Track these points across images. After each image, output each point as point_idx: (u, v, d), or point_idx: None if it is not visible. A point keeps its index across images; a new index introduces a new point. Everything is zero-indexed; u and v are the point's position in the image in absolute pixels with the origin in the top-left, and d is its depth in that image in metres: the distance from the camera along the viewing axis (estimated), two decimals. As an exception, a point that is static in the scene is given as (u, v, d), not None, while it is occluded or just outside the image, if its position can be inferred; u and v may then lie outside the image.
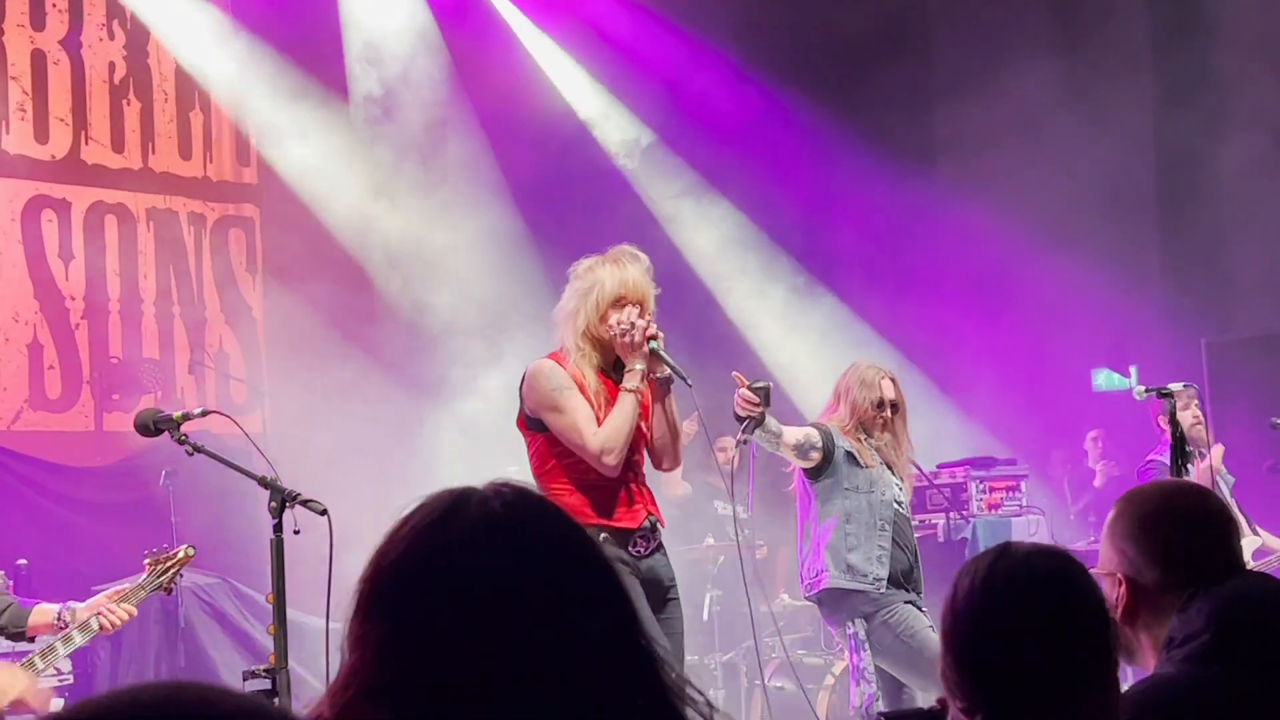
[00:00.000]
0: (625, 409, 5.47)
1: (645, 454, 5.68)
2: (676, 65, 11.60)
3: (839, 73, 11.28)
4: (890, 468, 6.68)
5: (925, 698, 6.27)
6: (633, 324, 5.47)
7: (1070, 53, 11.10)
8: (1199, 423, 7.95)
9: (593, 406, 5.48)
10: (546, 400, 5.50)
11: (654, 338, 5.51)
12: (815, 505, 6.66)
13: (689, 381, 5.60)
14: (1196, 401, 8.08)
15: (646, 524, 5.59)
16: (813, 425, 6.68)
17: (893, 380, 6.75)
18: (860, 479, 6.57)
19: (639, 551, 5.56)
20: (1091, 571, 2.67)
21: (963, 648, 2.32)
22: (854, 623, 6.51)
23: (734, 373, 6.19)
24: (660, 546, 5.69)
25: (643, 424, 5.59)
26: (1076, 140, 11.08)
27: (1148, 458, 8.23)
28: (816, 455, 6.56)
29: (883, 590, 6.47)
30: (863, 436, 6.63)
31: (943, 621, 2.38)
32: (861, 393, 6.67)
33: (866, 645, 6.49)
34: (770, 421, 6.23)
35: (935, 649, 6.14)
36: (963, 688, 2.31)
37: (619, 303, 5.53)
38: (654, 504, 5.69)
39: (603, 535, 5.50)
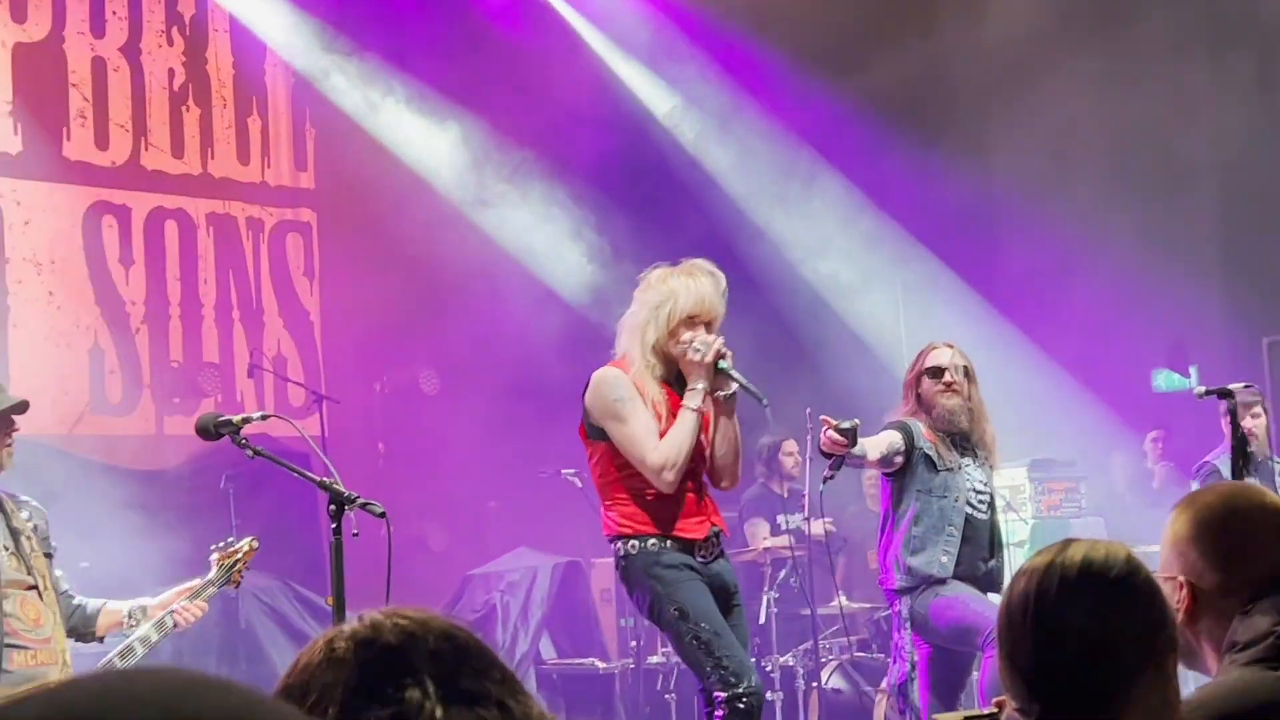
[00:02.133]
0: (686, 426, 5.43)
1: (706, 465, 5.66)
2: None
3: (879, 66, 11.20)
4: (974, 451, 6.58)
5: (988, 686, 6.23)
6: (704, 343, 5.42)
7: (1119, 40, 10.95)
8: (1254, 431, 7.82)
9: (655, 419, 5.47)
10: (609, 409, 5.47)
11: (723, 356, 5.45)
12: (892, 501, 6.61)
13: (764, 401, 5.54)
14: (1259, 405, 7.94)
15: (711, 534, 5.60)
16: (893, 424, 6.60)
17: (950, 347, 6.60)
18: (935, 483, 6.47)
19: (704, 559, 5.56)
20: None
21: (1018, 646, 2.31)
22: (902, 600, 6.52)
23: (821, 415, 6.10)
24: (723, 553, 5.69)
25: (703, 437, 5.56)
26: (1132, 134, 10.97)
27: (1202, 459, 8.14)
28: (900, 459, 6.49)
29: (946, 574, 6.43)
30: (940, 434, 6.53)
31: (999, 620, 2.37)
32: (911, 374, 6.60)
33: (909, 624, 6.48)
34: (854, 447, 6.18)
35: (981, 603, 6.15)
36: (1019, 687, 2.30)
37: (690, 320, 5.47)
38: (717, 513, 5.68)
39: (667, 543, 5.51)
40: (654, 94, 11.77)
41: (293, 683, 1.59)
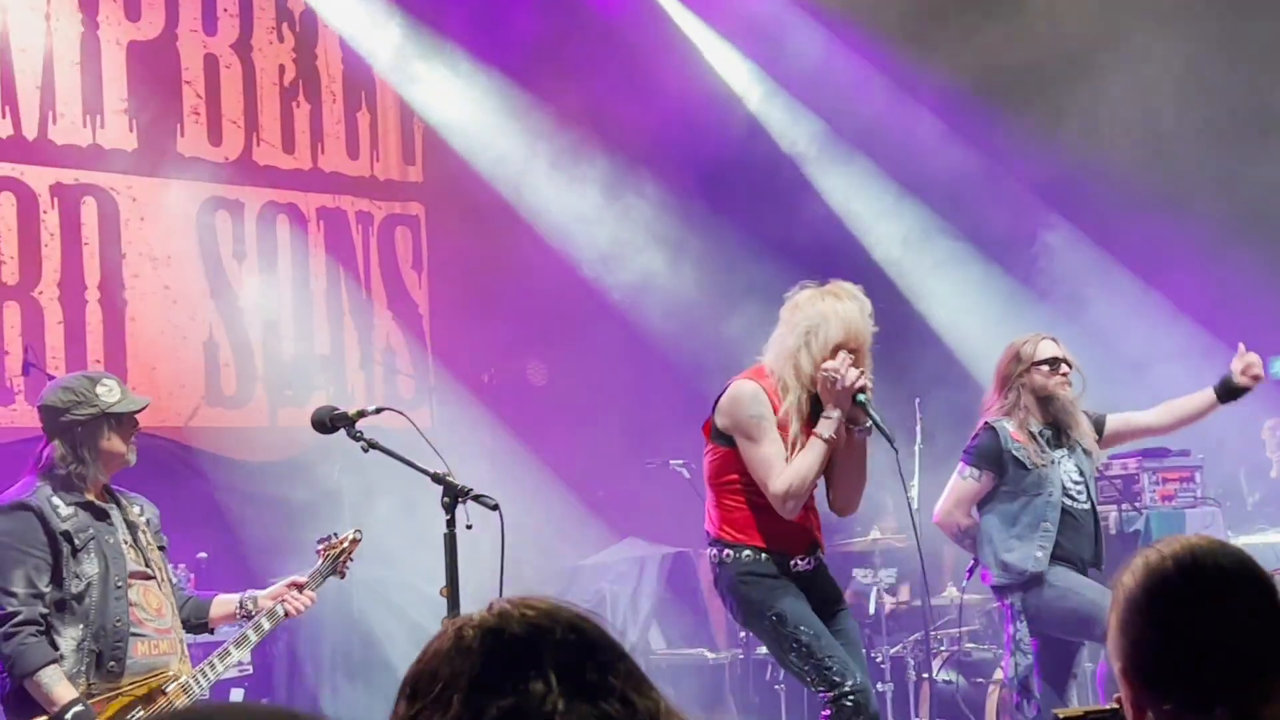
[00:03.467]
0: (814, 455, 5.40)
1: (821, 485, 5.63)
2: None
3: (959, 40, 10.99)
4: (1069, 442, 6.54)
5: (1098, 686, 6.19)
6: (843, 373, 5.36)
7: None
8: None
9: (787, 449, 5.42)
10: (744, 425, 5.45)
11: (862, 390, 5.40)
12: (982, 500, 6.61)
13: (895, 444, 5.51)
14: None
15: (809, 548, 5.59)
16: (980, 435, 6.59)
17: (1054, 340, 6.63)
18: (1029, 481, 6.49)
19: (798, 569, 5.56)
20: (1276, 572, 2.61)
21: (1136, 639, 2.28)
22: (1011, 594, 6.57)
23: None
24: (822, 566, 5.67)
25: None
26: (1234, 105, 10.70)
27: None
28: (991, 479, 6.53)
29: (1041, 569, 6.44)
30: (1036, 429, 6.51)
31: (1116, 612, 2.35)
32: (1015, 361, 6.57)
33: (1023, 616, 6.49)
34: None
35: (1094, 591, 6.12)
36: (1133, 681, 2.28)
37: (838, 347, 5.42)
38: (819, 529, 5.67)
39: (763, 555, 5.50)
40: (742, 78, 11.64)
41: (422, 670, 1.62)
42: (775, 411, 5.44)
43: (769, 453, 5.40)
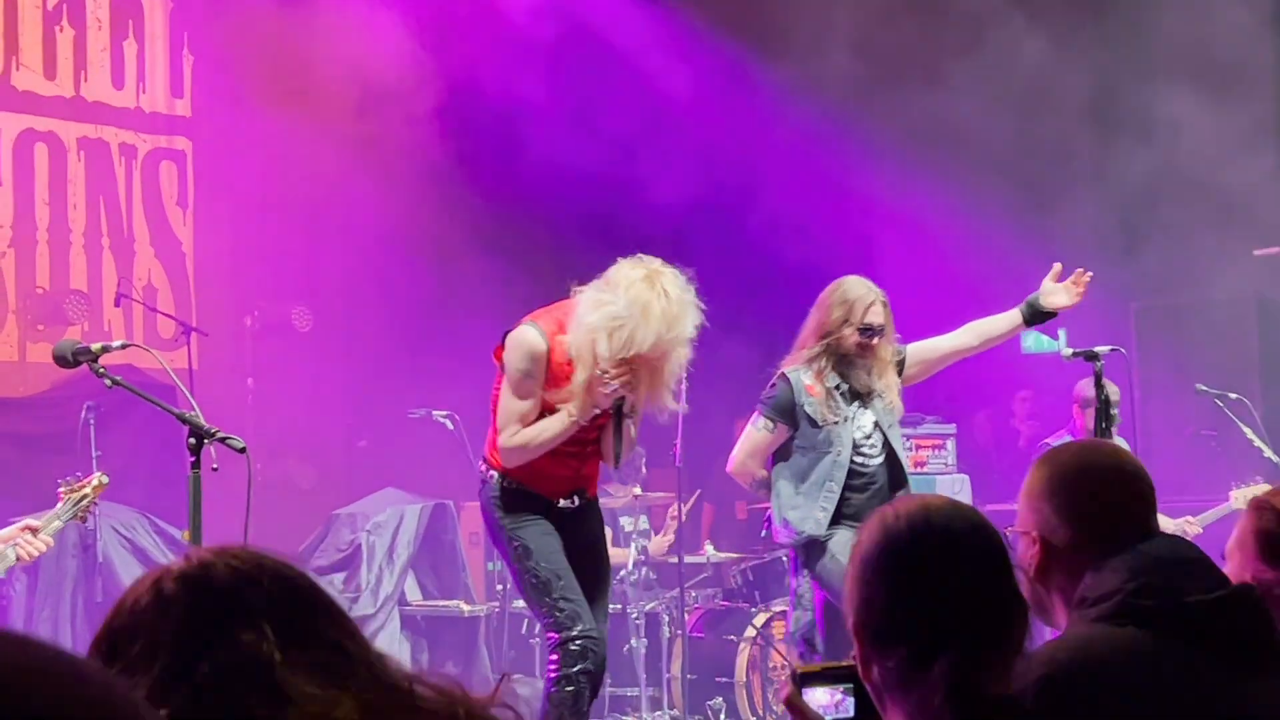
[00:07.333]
0: (556, 427, 5.43)
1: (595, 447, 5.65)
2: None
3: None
4: (867, 398, 6.43)
5: None
6: (611, 389, 5.32)
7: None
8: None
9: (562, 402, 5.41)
10: (509, 372, 5.46)
11: (626, 408, 5.41)
12: (776, 456, 6.53)
13: (614, 465, 5.63)
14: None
15: (571, 499, 5.62)
16: (777, 378, 6.49)
17: (884, 304, 6.36)
18: (819, 438, 6.37)
19: (561, 505, 5.59)
20: (1008, 530, 2.68)
21: (863, 596, 2.33)
22: (797, 549, 6.51)
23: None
24: (589, 506, 5.70)
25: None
26: (1002, 95, 10.97)
27: (1042, 440, 8.28)
28: (786, 430, 6.49)
29: (820, 531, 6.40)
30: (834, 384, 6.41)
31: (850, 568, 2.39)
32: (839, 313, 6.33)
33: (805, 571, 6.46)
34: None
35: None
36: (861, 637, 2.33)
37: (636, 356, 5.29)
38: (593, 483, 5.72)
39: (523, 489, 5.52)
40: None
41: (119, 625, 1.51)
42: (550, 367, 5.39)
43: (517, 408, 5.42)
